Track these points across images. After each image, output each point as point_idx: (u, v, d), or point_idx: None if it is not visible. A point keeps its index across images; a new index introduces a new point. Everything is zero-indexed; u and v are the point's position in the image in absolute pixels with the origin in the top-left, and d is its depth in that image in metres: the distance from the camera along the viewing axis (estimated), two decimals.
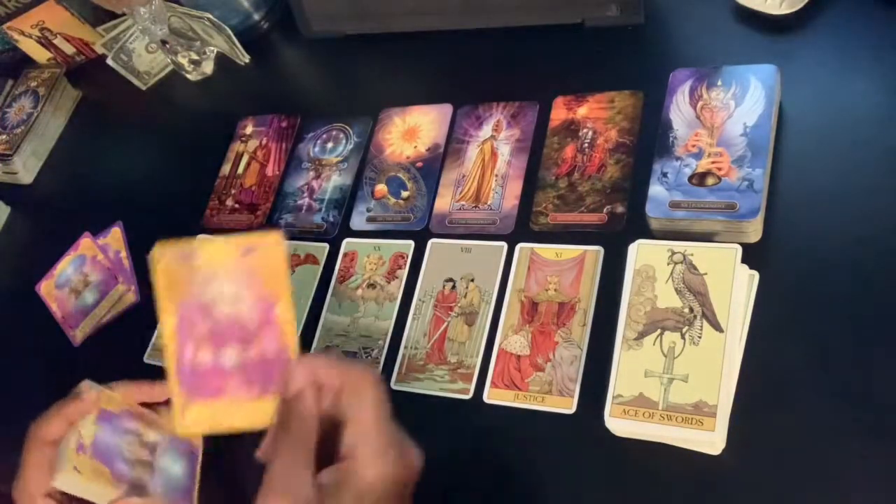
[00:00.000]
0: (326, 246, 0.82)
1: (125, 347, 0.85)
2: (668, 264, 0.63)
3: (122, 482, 0.63)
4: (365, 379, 0.50)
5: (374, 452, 0.48)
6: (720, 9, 0.79)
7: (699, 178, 0.66)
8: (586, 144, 0.76)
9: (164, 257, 0.53)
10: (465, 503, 0.64)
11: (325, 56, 1.00)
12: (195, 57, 1.04)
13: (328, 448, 0.49)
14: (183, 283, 0.52)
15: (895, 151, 0.65)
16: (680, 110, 0.70)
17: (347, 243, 0.81)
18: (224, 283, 0.52)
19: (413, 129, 0.86)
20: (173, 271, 0.52)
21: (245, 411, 0.51)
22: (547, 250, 0.72)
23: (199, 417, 0.52)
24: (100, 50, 1.11)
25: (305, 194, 0.87)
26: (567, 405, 0.64)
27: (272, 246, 0.52)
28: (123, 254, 0.92)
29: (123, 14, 1.07)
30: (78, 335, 0.89)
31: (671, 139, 0.69)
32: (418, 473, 0.52)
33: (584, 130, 0.77)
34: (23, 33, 1.14)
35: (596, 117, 0.77)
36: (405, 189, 0.82)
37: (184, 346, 0.52)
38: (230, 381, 0.52)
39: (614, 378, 0.60)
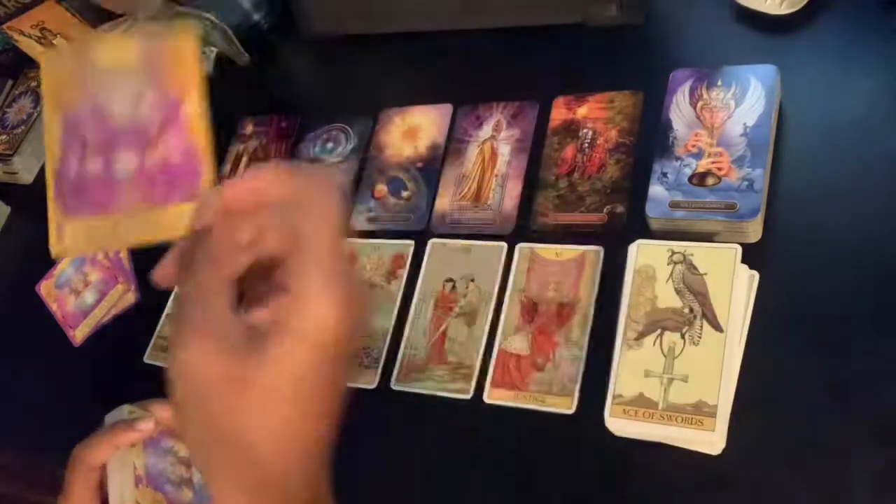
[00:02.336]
0: None
1: (125, 347, 0.85)
2: (668, 264, 0.63)
3: None
4: (316, 189, 0.36)
5: (323, 285, 0.34)
6: (720, 9, 0.79)
7: (699, 178, 0.66)
8: (586, 144, 0.76)
9: (53, 61, 0.44)
10: (465, 503, 0.64)
11: (325, 56, 1.00)
12: None
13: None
14: (74, 86, 0.43)
15: (895, 151, 0.65)
16: (680, 110, 0.70)
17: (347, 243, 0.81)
18: (122, 82, 0.42)
19: (413, 129, 0.86)
20: (63, 74, 0.44)
21: (143, 224, 0.41)
22: (547, 250, 0.72)
23: (81, 235, 0.42)
24: None
25: None
26: (567, 405, 0.64)
27: (182, 36, 0.44)
28: (123, 254, 0.92)
29: (123, 14, 1.07)
30: (78, 335, 0.89)
31: (671, 139, 0.69)
32: (363, 328, 0.37)
33: (584, 130, 0.77)
34: (23, 33, 1.13)
35: (596, 117, 0.77)
36: (405, 189, 0.82)
37: (68, 154, 0.42)
38: (123, 192, 0.42)
39: (614, 378, 0.60)
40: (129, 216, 0.42)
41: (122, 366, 0.84)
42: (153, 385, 0.84)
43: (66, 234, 0.43)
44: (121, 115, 0.42)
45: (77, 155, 0.42)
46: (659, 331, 0.61)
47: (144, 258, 0.91)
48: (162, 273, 0.38)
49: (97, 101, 0.42)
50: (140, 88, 0.42)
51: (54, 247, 0.43)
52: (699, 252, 0.62)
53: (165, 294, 0.86)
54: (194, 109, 0.42)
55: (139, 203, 0.42)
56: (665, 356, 0.60)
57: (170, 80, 0.43)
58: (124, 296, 0.89)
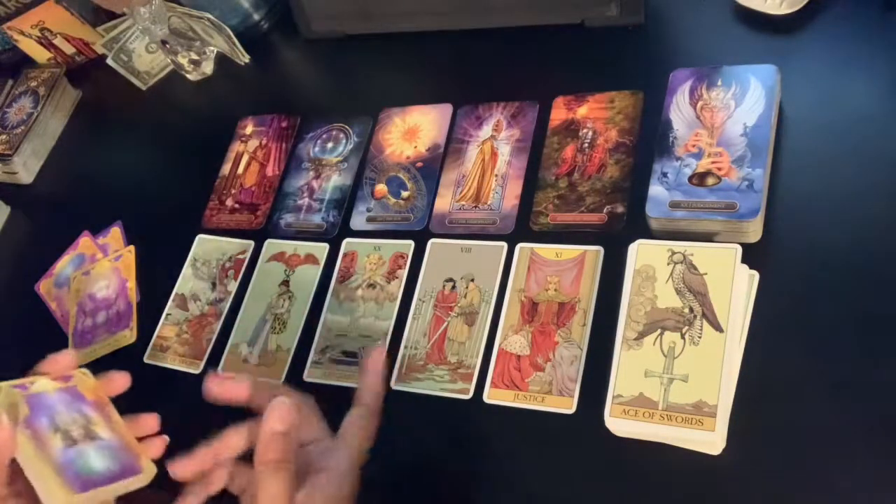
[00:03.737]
0: (326, 246, 0.82)
1: (125, 347, 0.85)
2: (668, 264, 0.63)
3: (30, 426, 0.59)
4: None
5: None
6: (720, 9, 0.79)
7: (699, 178, 0.66)
8: (586, 144, 0.76)
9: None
10: (465, 503, 0.64)
11: (325, 56, 1.00)
12: (195, 57, 1.04)
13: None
14: None
15: (895, 151, 0.65)
16: (680, 110, 0.70)
17: (347, 243, 0.81)
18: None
19: (413, 129, 0.86)
20: None
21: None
22: (547, 250, 0.72)
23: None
24: (100, 50, 1.11)
25: (305, 194, 0.87)
26: (567, 405, 0.64)
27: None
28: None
29: (123, 14, 1.07)
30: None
31: (671, 139, 0.69)
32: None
33: (584, 130, 0.77)
34: (23, 33, 1.14)
35: (596, 117, 0.77)
36: (405, 189, 0.82)
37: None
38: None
39: (614, 378, 0.60)
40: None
41: (122, 366, 0.84)
42: (153, 385, 0.85)
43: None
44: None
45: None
46: (659, 331, 0.61)
47: (144, 257, 0.91)
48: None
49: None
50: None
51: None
52: (699, 252, 0.62)
53: (165, 295, 0.86)
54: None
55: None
56: (665, 356, 0.60)
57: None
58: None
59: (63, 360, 0.67)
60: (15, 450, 0.59)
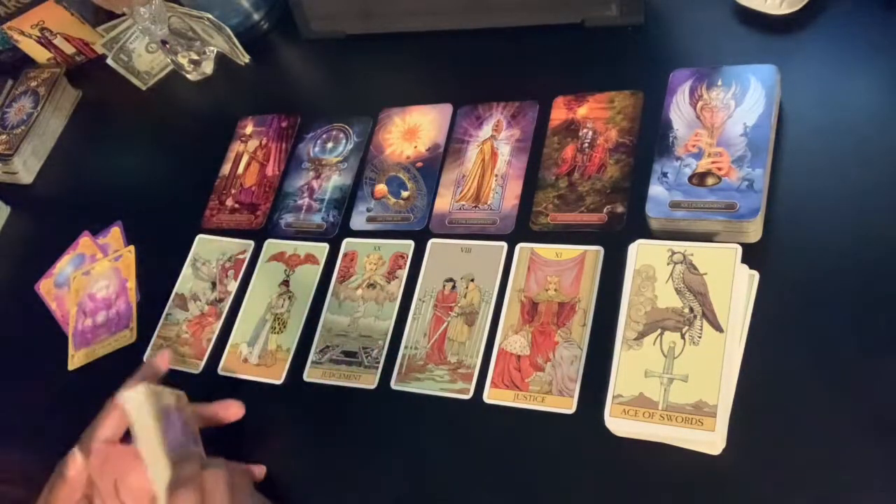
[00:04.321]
0: (326, 246, 0.82)
1: (125, 347, 0.85)
2: (668, 264, 0.63)
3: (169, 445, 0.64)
4: None
5: None
6: (720, 9, 0.79)
7: (699, 178, 0.66)
8: (586, 144, 0.76)
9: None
10: (465, 503, 0.64)
11: (325, 56, 1.00)
12: (195, 57, 1.04)
13: None
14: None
15: (895, 151, 0.65)
16: (680, 110, 0.70)
17: (347, 243, 0.81)
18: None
19: (413, 129, 0.86)
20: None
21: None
22: (547, 250, 0.72)
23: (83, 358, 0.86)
24: (100, 50, 1.11)
25: (305, 194, 0.87)
26: (567, 405, 0.64)
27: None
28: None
29: (123, 14, 1.07)
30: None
31: (671, 139, 0.69)
32: None
33: (584, 130, 0.77)
34: (23, 33, 1.14)
35: (596, 117, 0.77)
36: (405, 189, 0.82)
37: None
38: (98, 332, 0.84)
39: (614, 378, 0.60)
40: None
41: (122, 366, 0.84)
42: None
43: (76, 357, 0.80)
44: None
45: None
46: (659, 331, 0.61)
47: (144, 257, 0.91)
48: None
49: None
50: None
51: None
52: (699, 252, 0.62)
53: (165, 295, 0.86)
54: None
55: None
56: (665, 356, 0.60)
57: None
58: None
59: (235, 411, 0.73)
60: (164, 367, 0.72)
